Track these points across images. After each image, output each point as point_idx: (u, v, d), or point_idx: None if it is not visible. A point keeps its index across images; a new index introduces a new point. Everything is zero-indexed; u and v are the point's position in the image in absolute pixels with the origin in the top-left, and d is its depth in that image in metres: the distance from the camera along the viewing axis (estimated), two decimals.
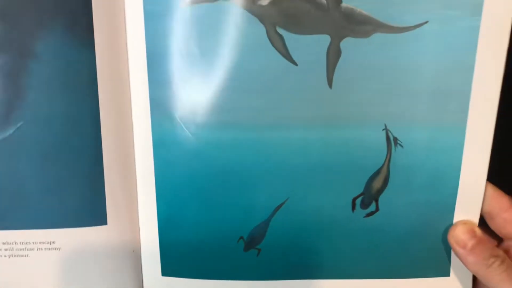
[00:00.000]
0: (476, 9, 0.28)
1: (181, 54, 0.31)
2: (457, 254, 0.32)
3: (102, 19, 0.30)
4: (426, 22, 0.29)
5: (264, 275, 0.35)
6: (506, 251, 0.32)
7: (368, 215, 0.33)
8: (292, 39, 0.30)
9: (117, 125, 0.32)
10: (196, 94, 0.31)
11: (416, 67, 0.30)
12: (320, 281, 0.34)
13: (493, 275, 0.31)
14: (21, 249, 0.34)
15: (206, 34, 0.30)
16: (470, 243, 0.31)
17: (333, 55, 0.30)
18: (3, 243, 0.34)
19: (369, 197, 0.33)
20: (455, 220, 0.33)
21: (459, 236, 0.32)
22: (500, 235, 0.32)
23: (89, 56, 0.31)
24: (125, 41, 0.31)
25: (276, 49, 0.30)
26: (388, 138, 0.32)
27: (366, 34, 0.30)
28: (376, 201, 0.33)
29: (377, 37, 0.30)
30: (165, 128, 0.32)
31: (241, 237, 0.34)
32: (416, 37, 0.29)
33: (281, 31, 0.30)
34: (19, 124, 0.31)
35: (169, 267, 0.35)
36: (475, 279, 0.34)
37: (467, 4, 0.28)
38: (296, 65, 0.30)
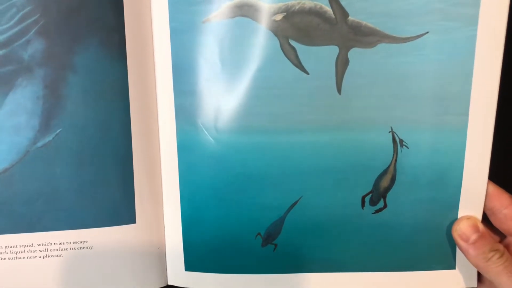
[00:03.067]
0: (472, 20, 0.31)
1: (203, 65, 0.34)
2: (459, 247, 0.34)
3: (133, 35, 0.34)
4: (427, 32, 0.32)
5: (280, 269, 0.37)
6: (507, 247, 0.34)
7: (377, 211, 0.35)
8: (303, 50, 0.33)
9: (145, 131, 0.35)
10: (216, 102, 0.34)
11: (418, 74, 0.32)
12: (332, 274, 0.37)
13: (492, 267, 0.33)
14: (55, 250, 0.36)
15: (225, 47, 0.33)
16: (473, 237, 0.33)
17: (342, 64, 0.33)
18: (39, 245, 0.35)
19: (377, 194, 0.35)
20: (459, 216, 0.35)
21: (463, 230, 0.34)
22: (501, 230, 0.34)
23: (121, 68, 0.34)
24: (153, 55, 0.34)
25: (289, 59, 0.33)
26: (394, 139, 0.34)
27: (371, 45, 0.32)
28: (384, 198, 0.35)
29: (382, 47, 0.32)
30: (188, 133, 0.35)
31: (259, 234, 0.36)
32: (417, 46, 0.32)
33: (293, 43, 0.33)
34: (58, 131, 0.34)
35: (192, 263, 0.37)
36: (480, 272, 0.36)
37: (464, 16, 0.31)
38: (308, 74, 0.33)
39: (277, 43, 0.33)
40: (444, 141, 0.33)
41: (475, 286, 0.36)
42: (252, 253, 0.37)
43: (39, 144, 0.33)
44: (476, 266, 0.34)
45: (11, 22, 0.32)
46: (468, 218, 0.34)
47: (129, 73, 0.34)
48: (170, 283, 0.38)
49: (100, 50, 0.33)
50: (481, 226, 0.34)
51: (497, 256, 0.33)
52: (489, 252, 0.33)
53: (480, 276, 0.36)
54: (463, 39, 0.31)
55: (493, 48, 0.31)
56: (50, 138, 0.34)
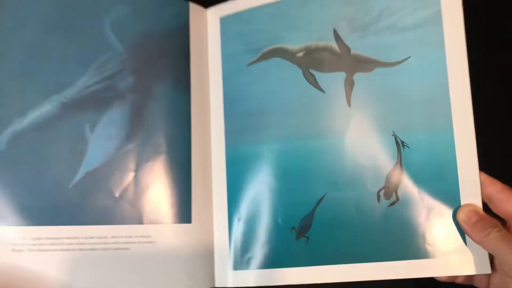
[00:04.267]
0: (441, 45, 0.42)
1: (246, 96, 0.46)
2: (464, 230, 0.39)
3: (196, 75, 0.47)
4: (409, 57, 0.43)
5: (313, 261, 0.42)
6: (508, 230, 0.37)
7: (391, 204, 0.41)
8: (319, 76, 0.44)
9: (201, 147, 0.46)
10: (256, 121, 0.45)
11: (407, 88, 0.42)
12: (359, 265, 0.41)
13: (490, 240, 0.36)
14: (125, 242, 0.41)
15: (262, 80, 0.46)
16: (474, 219, 0.38)
17: (348, 85, 0.44)
18: (112, 237, 0.41)
19: (389, 189, 0.42)
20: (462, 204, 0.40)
21: (465, 213, 0.39)
22: (499, 215, 0.38)
23: (186, 98, 0.46)
24: (208, 88, 0.47)
25: (310, 83, 0.44)
26: (397, 142, 0.42)
27: (370, 69, 0.44)
28: (396, 192, 0.42)
29: (378, 71, 0.43)
30: (235, 149, 0.45)
31: (293, 227, 0.43)
32: (404, 68, 0.42)
33: (312, 71, 0.45)
34: (138, 142, 0.44)
35: (238, 261, 0.43)
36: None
37: (434, 42, 0.42)
38: (324, 92, 0.44)
39: (300, 72, 0.45)
40: (437, 140, 0.41)
41: (489, 271, 0.38)
42: (289, 246, 0.42)
43: (123, 150, 0.44)
44: (479, 243, 0.37)
45: (115, 64, 0.45)
46: (469, 205, 0.39)
47: (192, 103, 0.46)
48: (217, 283, 0.43)
49: (172, 85, 0.46)
50: (480, 210, 0.39)
51: (495, 230, 0.37)
52: (489, 228, 0.37)
53: (493, 265, 0.39)
54: (436, 59, 0.42)
55: (460, 63, 0.41)
56: (131, 146, 0.44)
